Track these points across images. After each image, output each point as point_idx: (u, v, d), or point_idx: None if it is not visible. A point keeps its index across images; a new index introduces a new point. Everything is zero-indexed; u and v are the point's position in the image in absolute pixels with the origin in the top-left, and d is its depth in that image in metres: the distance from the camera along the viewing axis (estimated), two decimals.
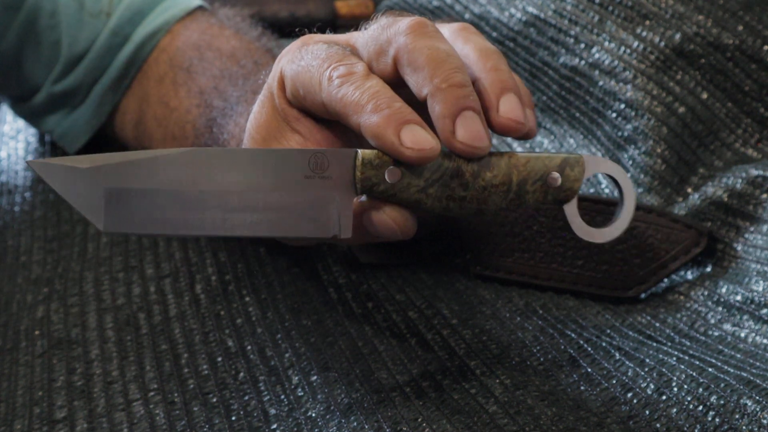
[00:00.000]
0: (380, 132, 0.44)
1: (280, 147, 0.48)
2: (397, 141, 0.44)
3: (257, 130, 0.49)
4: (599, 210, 0.57)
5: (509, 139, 0.69)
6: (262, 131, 0.49)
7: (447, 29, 0.49)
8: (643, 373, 0.47)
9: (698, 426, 0.43)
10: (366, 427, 0.45)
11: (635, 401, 0.46)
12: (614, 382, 0.47)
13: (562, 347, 0.50)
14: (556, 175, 0.46)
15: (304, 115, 0.48)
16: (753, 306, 0.52)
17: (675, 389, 0.46)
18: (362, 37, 0.48)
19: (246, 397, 0.49)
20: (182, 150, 0.44)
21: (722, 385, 0.45)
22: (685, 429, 0.44)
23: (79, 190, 0.43)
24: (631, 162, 0.61)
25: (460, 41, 0.49)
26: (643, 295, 0.56)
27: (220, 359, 0.52)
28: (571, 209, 0.47)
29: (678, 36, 0.63)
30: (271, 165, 0.44)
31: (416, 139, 0.44)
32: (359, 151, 0.45)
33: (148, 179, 0.43)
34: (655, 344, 0.51)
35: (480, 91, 0.46)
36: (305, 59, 0.47)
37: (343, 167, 0.45)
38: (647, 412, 0.45)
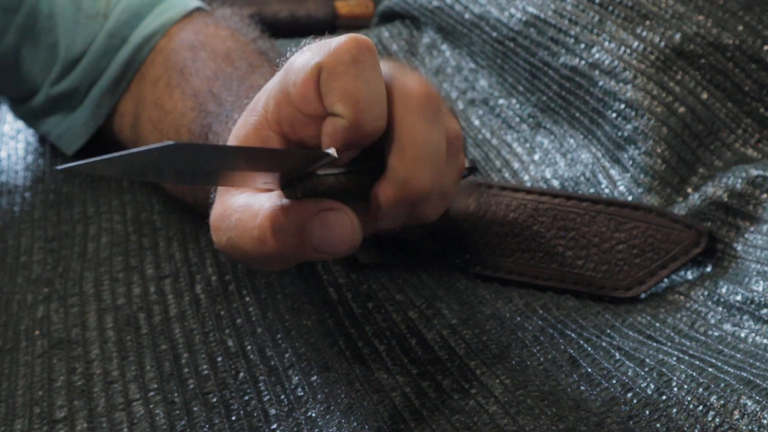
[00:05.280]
0: None
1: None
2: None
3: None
4: (599, 210, 0.57)
5: (508, 139, 0.69)
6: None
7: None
8: (643, 373, 0.47)
9: (698, 426, 0.43)
10: (366, 427, 0.45)
11: (635, 401, 0.46)
12: (614, 382, 0.47)
13: (562, 347, 0.50)
14: None
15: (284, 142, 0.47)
16: (753, 306, 0.52)
17: (675, 389, 0.46)
18: None
19: (246, 397, 0.49)
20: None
21: (722, 385, 0.45)
22: (685, 429, 0.44)
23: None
24: (631, 162, 0.61)
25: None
26: (643, 295, 0.56)
27: (220, 359, 0.52)
28: None
29: (678, 36, 0.63)
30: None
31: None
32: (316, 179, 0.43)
33: None
34: (655, 344, 0.51)
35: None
36: (304, 51, 0.46)
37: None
38: (647, 412, 0.45)
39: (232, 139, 0.47)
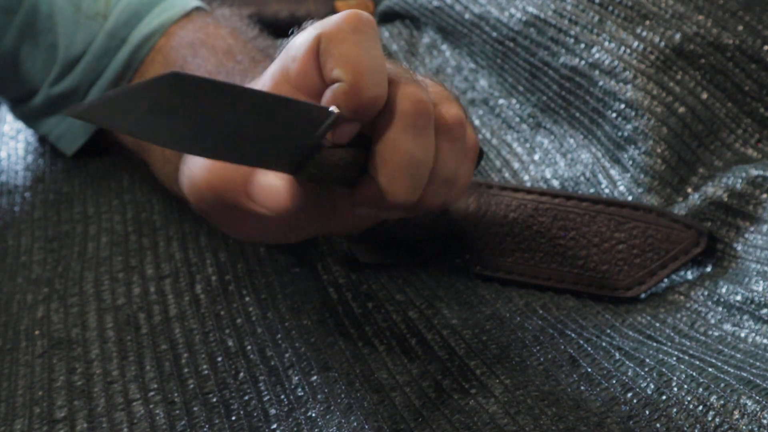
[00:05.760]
0: None
1: None
2: None
3: None
4: (599, 210, 0.57)
5: (508, 139, 0.69)
6: None
7: (441, 103, 0.46)
8: (643, 373, 0.47)
9: (698, 426, 0.43)
10: (366, 427, 0.45)
11: (635, 401, 0.46)
12: (614, 382, 0.47)
13: (562, 347, 0.50)
14: None
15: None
16: (753, 306, 0.52)
17: (675, 389, 0.46)
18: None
19: (246, 397, 0.49)
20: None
21: (722, 385, 0.45)
22: (685, 429, 0.44)
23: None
24: (631, 162, 0.61)
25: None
26: (643, 295, 0.56)
27: (220, 359, 0.52)
28: None
29: (678, 36, 0.63)
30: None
31: None
32: (324, 151, 0.43)
33: None
34: (655, 344, 0.51)
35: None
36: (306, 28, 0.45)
37: None
38: (647, 412, 0.45)
39: None
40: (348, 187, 0.45)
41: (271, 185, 0.44)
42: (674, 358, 0.48)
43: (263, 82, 0.46)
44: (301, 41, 0.43)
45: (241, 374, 0.50)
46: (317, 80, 0.43)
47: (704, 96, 0.62)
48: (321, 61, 0.43)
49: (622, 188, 0.61)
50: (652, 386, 0.46)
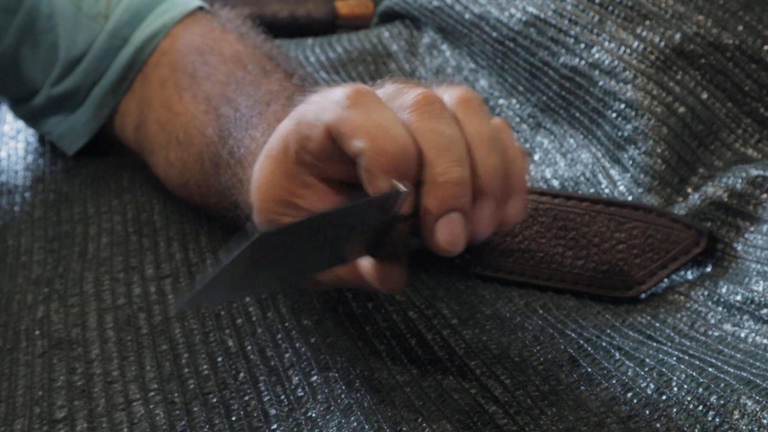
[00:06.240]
0: (381, 174, 0.42)
1: (291, 202, 0.47)
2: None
3: (267, 188, 0.48)
4: (599, 210, 0.57)
5: None
6: (273, 190, 0.48)
7: (448, 97, 0.46)
8: (643, 373, 0.47)
9: (698, 426, 0.43)
10: (366, 427, 0.45)
11: (635, 401, 0.46)
12: (614, 381, 0.47)
13: (562, 347, 0.50)
14: None
15: (315, 177, 0.47)
16: (753, 306, 0.52)
17: (675, 389, 0.46)
18: None
19: (246, 398, 0.49)
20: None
21: (722, 385, 0.45)
22: (685, 429, 0.44)
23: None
24: (631, 162, 0.61)
25: (458, 117, 0.46)
26: (643, 296, 0.56)
27: (220, 359, 0.52)
28: None
29: (678, 36, 0.63)
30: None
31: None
32: (398, 225, 0.44)
33: None
34: (655, 344, 0.51)
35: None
36: (313, 98, 0.46)
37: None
38: (647, 412, 0.45)
39: (257, 188, 0.48)
40: (421, 249, 0.46)
41: (383, 268, 0.46)
42: (674, 358, 0.48)
43: (262, 165, 0.48)
44: (311, 123, 0.45)
45: (242, 374, 0.50)
46: (340, 153, 0.45)
47: (704, 96, 0.62)
48: (339, 144, 0.44)
49: (622, 188, 0.61)
50: (652, 386, 0.46)
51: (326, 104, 0.45)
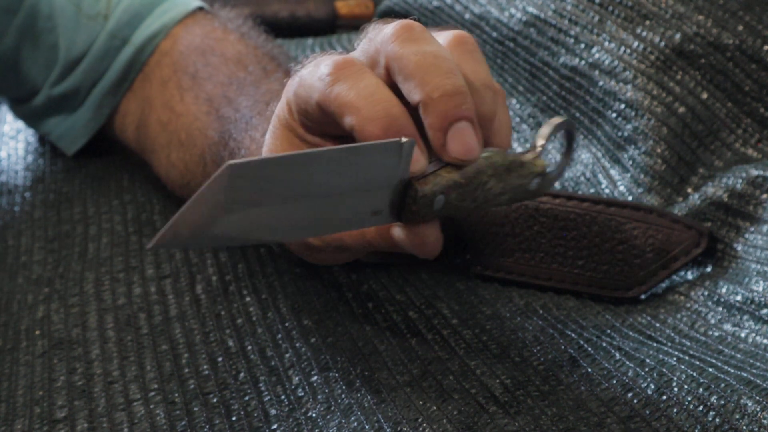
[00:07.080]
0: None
1: None
2: None
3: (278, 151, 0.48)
4: (599, 211, 0.57)
5: None
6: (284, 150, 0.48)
7: (442, 39, 0.47)
8: (643, 373, 0.47)
9: (698, 426, 0.43)
10: (366, 427, 0.45)
11: (635, 401, 0.46)
12: (614, 382, 0.47)
13: (562, 347, 0.50)
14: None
15: (324, 140, 0.47)
16: (753, 306, 0.52)
17: (675, 389, 0.46)
18: (354, 54, 0.47)
19: (246, 398, 0.49)
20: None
21: (722, 385, 0.45)
22: (685, 429, 0.44)
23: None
24: (631, 162, 0.61)
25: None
26: (643, 296, 0.56)
27: (220, 359, 0.52)
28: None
29: (678, 36, 0.63)
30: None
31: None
32: (415, 184, 0.43)
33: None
34: (655, 344, 0.51)
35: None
36: (303, 72, 0.46)
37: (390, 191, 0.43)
38: (647, 412, 0.45)
39: (266, 150, 0.48)
40: (457, 214, 0.45)
41: (413, 231, 0.45)
42: (674, 359, 0.48)
43: (269, 145, 0.48)
44: (306, 92, 0.45)
45: (242, 374, 0.50)
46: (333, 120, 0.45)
47: (704, 96, 0.62)
48: (333, 120, 0.44)
49: (622, 188, 0.61)
50: (653, 386, 0.46)
51: (313, 82, 0.45)
